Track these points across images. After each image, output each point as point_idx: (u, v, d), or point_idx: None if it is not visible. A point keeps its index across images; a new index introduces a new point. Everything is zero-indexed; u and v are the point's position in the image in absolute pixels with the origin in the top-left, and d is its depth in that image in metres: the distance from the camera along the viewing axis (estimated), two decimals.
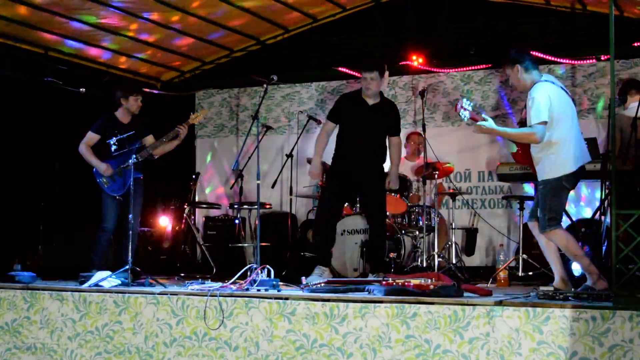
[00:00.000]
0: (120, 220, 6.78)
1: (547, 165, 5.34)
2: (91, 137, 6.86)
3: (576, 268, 6.61)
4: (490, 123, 5.42)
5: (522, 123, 5.68)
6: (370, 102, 6.72)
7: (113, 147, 6.62)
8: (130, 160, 6.33)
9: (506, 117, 8.58)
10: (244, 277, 5.36)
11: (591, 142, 6.64)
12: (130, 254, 5.99)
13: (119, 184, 6.74)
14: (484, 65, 8.69)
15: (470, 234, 8.49)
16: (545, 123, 5.25)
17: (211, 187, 9.94)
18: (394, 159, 6.94)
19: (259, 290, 5.16)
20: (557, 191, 5.31)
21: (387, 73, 6.80)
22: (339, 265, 7.38)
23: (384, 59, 8.91)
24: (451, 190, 8.05)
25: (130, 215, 6.25)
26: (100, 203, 6.82)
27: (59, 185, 8.24)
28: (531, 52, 5.68)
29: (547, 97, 5.30)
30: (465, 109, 5.44)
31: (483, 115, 5.50)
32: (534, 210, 5.56)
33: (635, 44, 8.03)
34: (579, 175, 5.40)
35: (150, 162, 6.90)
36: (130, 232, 6.27)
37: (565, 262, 5.61)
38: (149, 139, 6.86)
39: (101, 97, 7.01)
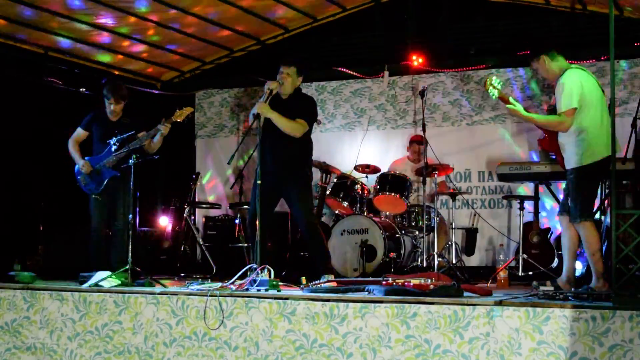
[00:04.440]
0: (109, 219, 6.76)
1: (577, 152, 5.29)
2: (79, 133, 6.86)
3: (577, 268, 6.62)
4: (518, 107, 5.46)
5: (552, 110, 5.65)
6: (284, 97, 6.25)
7: (113, 147, 6.60)
8: (130, 161, 6.32)
9: (506, 117, 8.58)
10: (243, 277, 5.36)
11: None
12: (129, 254, 5.99)
13: (95, 182, 6.71)
14: (484, 65, 8.70)
15: (470, 234, 8.49)
16: (574, 110, 5.24)
17: (210, 187, 9.94)
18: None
19: (259, 290, 5.16)
20: (587, 179, 5.28)
21: (299, 74, 6.24)
22: (339, 265, 7.39)
23: (383, 59, 9.03)
24: (451, 190, 8.05)
25: (130, 216, 6.26)
26: (87, 203, 6.80)
27: (59, 185, 8.23)
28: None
29: (579, 82, 5.28)
30: (495, 87, 5.47)
31: (511, 100, 5.52)
32: (564, 203, 5.53)
33: (636, 44, 8.03)
34: (608, 165, 5.37)
35: (151, 161, 6.89)
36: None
37: None
38: (141, 136, 6.72)
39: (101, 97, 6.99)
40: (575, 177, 5.32)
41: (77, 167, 6.80)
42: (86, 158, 6.77)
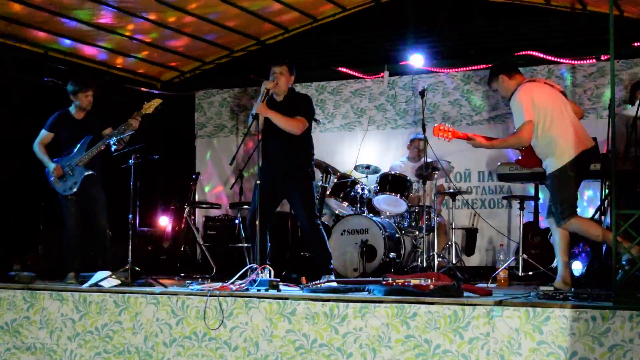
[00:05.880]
0: (87, 220, 6.69)
1: (551, 159, 5.42)
2: (44, 135, 6.76)
3: (576, 268, 6.62)
4: (478, 139, 5.64)
5: None
6: (279, 99, 6.25)
7: (113, 148, 6.58)
8: (130, 161, 6.31)
9: (506, 117, 8.58)
10: (244, 277, 5.36)
11: None
12: (130, 254, 5.99)
13: (69, 182, 6.60)
14: (484, 65, 8.69)
15: (470, 234, 8.49)
16: (529, 122, 5.34)
17: (210, 187, 9.94)
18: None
19: (259, 290, 5.16)
20: (563, 181, 5.37)
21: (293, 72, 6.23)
22: (339, 265, 7.38)
23: (383, 59, 9.03)
24: (451, 190, 8.05)
25: (130, 215, 6.25)
26: (59, 204, 6.72)
27: None
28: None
29: (528, 96, 5.43)
30: (446, 131, 5.57)
31: (469, 135, 5.65)
32: (549, 205, 5.58)
33: (635, 44, 8.03)
34: (584, 161, 5.45)
35: (151, 161, 6.86)
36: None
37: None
38: (107, 132, 6.65)
39: (101, 96, 6.99)
40: (552, 182, 5.43)
41: (47, 170, 6.70)
42: (54, 160, 6.67)
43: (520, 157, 5.81)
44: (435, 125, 5.76)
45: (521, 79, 5.66)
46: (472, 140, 5.66)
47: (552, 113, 5.42)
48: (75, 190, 6.58)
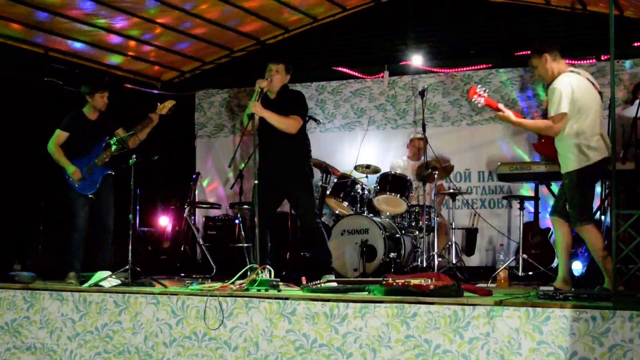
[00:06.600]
0: (94, 219, 6.72)
1: (572, 157, 5.31)
2: (60, 135, 6.76)
3: (577, 268, 6.62)
4: (507, 113, 5.46)
5: (545, 114, 5.65)
6: (272, 96, 6.22)
7: (113, 148, 6.59)
8: (130, 161, 6.31)
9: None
10: (243, 277, 5.36)
11: None
12: (130, 254, 5.99)
13: (89, 182, 6.65)
14: (484, 65, 8.70)
15: (470, 234, 8.48)
16: (564, 115, 5.25)
17: (211, 188, 9.94)
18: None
19: (259, 290, 5.16)
20: (582, 184, 5.29)
21: (289, 71, 6.23)
22: (339, 265, 7.38)
23: (383, 59, 9.03)
24: (451, 190, 8.05)
25: (130, 215, 6.25)
26: (68, 202, 6.72)
27: (60, 185, 8.23)
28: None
29: (570, 87, 5.28)
30: (480, 95, 5.47)
31: (500, 105, 5.51)
32: (556, 204, 5.53)
33: (635, 44, 8.04)
34: (603, 167, 5.38)
35: (151, 161, 6.86)
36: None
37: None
38: (120, 132, 6.76)
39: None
40: (570, 182, 5.34)
41: (65, 169, 6.71)
42: (73, 161, 6.66)
43: (538, 142, 5.73)
44: (473, 86, 5.57)
45: (564, 66, 5.50)
46: (500, 111, 5.47)
47: (587, 112, 5.30)
48: (94, 189, 6.66)
